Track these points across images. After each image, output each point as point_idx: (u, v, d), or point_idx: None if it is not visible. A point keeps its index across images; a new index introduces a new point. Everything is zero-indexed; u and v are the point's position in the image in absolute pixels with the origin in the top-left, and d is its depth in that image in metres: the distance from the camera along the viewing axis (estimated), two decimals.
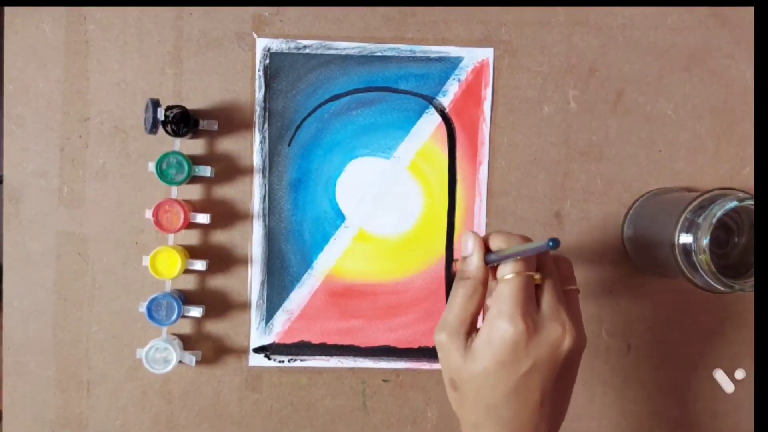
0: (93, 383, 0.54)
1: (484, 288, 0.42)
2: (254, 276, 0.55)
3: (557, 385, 0.40)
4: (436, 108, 0.55)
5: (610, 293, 0.56)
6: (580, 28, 0.55)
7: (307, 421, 0.55)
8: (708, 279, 0.46)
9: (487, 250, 0.43)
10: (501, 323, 0.39)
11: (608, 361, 0.56)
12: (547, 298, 0.41)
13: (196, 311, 0.53)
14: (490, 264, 0.42)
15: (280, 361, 0.55)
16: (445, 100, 0.55)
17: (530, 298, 0.40)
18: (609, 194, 0.56)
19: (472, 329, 0.41)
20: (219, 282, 0.55)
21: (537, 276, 0.41)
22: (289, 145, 0.55)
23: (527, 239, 0.42)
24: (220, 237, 0.54)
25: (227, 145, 0.54)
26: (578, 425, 0.56)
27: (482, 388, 0.40)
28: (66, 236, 0.54)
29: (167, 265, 0.52)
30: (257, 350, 0.55)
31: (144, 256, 0.52)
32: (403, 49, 0.55)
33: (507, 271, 0.40)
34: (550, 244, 0.36)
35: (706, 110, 0.56)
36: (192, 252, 0.54)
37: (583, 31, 0.55)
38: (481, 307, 0.42)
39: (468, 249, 0.43)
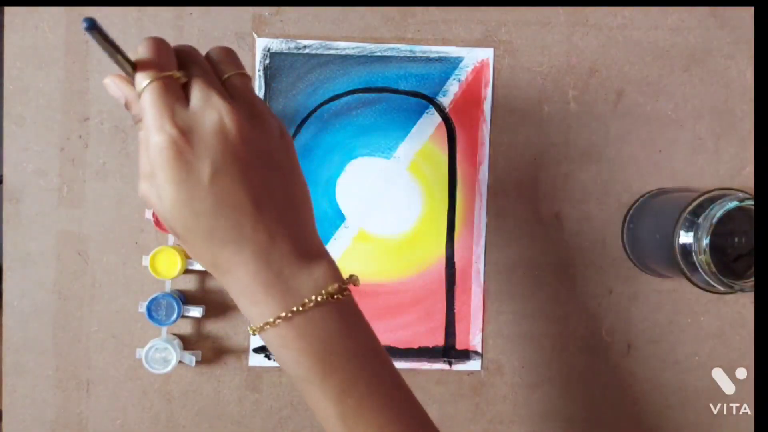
0: (93, 383, 0.54)
1: None
2: None
3: (264, 180, 0.35)
4: (436, 108, 0.55)
5: (610, 293, 0.56)
6: (580, 28, 0.55)
7: (307, 421, 0.55)
8: (708, 279, 0.46)
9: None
10: (152, 139, 0.34)
11: (608, 361, 0.56)
12: (195, 91, 0.35)
13: (196, 311, 0.53)
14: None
15: None
16: (445, 100, 0.55)
17: (175, 99, 0.34)
18: (609, 194, 0.56)
19: None
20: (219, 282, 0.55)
21: (177, 74, 0.35)
22: None
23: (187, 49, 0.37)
24: None
25: None
26: (578, 425, 0.56)
27: (186, 218, 0.34)
28: (66, 236, 0.54)
29: (167, 265, 0.52)
30: (257, 350, 0.55)
31: (144, 256, 0.52)
32: (403, 49, 0.55)
33: (142, 83, 0.34)
34: (85, 25, 0.32)
35: (706, 110, 0.56)
36: None
37: (583, 31, 0.55)
38: None
39: (119, 95, 0.37)
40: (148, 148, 0.34)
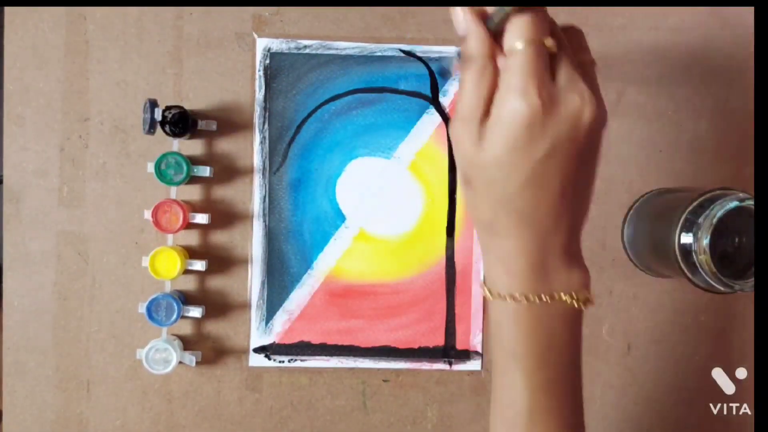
0: (93, 383, 0.54)
1: (493, 64, 0.35)
2: (254, 276, 0.55)
3: (579, 169, 0.35)
4: (436, 108, 0.55)
5: (610, 293, 0.56)
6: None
7: (307, 421, 0.55)
8: (708, 279, 0.46)
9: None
10: (512, 100, 0.33)
11: (608, 361, 0.56)
12: (563, 68, 0.35)
13: (195, 311, 0.53)
14: (494, 30, 0.35)
15: (280, 361, 0.55)
16: (445, 100, 0.55)
17: (544, 69, 0.34)
18: (609, 194, 0.56)
19: (487, 115, 0.35)
20: (219, 282, 0.55)
21: (550, 42, 0.34)
22: (289, 145, 0.55)
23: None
24: (219, 237, 0.54)
25: (227, 145, 0.54)
26: None
27: (495, 179, 0.35)
28: (66, 236, 0.54)
29: (167, 266, 0.52)
30: (257, 350, 0.55)
31: (144, 256, 0.52)
32: (403, 49, 0.55)
33: (515, 41, 0.34)
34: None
35: (706, 110, 0.56)
36: (192, 252, 0.54)
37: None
38: (494, 88, 0.35)
39: (461, 25, 0.36)
40: (500, 98, 0.34)
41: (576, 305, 0.37)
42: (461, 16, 0.35)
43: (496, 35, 0.35)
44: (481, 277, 0.38)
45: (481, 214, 0.37)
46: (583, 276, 0.38)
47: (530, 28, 0.34)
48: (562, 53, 0.35)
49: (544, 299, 0.36)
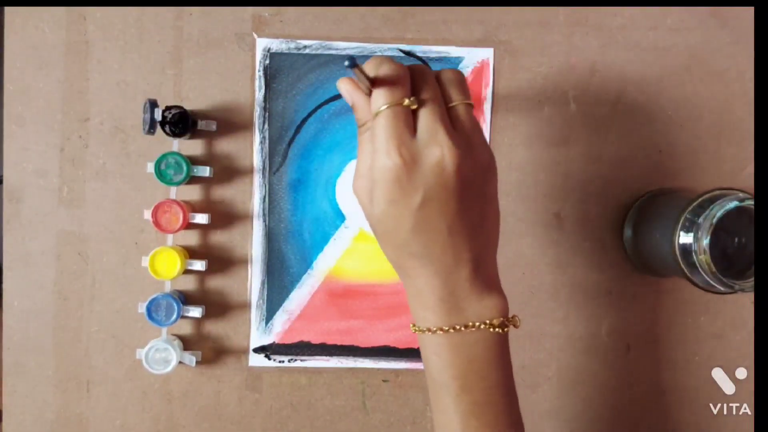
0: (93, 383, 0.54)
1: None
2: (254, 276, 0.55)
3: (463, 208, 0.38)
4: None
5: (609, 293, 0.56)
6: (580, 29, 0.55)
7: (307, 421, 0.55)
8: (708, 279, 0.46)
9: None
10: (379, 160, 0.37)
11: (608, 361, 0.56)
12: (422, 122, 0.38)
13: (195, 311, 0.53)
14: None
15: (280, 361, 0.55)
16: None
17: (404, 128, 0.37)
18: (609, 194, 0.56)
19: None
20: (219, 282, 0.55)
21: (408, 101, 0.37)
22: (289, 145, 0.55)
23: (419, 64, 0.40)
24: (219, 237, 0.54)
25: (226, 145, 0.54)
26: (577, 425, 0.56)
27: (388, 228, 0.39)
28: (66, 236, 0.54)
29: (166, 266, 0.52)
30: (257, 350, 0.55)
31: (144, 256, 0.52)
32: (403, 49, 0.55)
33: (377, 105, 0.38)
34: (346, 63, 0.34)
35: (706, 110, 0.56)
36: (191, 252, 0.54)
37: (583, 31, 0.55)
38: None
39: (348, 97, 0.40)
40: (372, 159, 0.38)
41: (493, 330, 0.40)
42: (344, 89, 0.40)
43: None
44: None
45: (389, 258, 0.41)
46: (496, 302, 0.40)
47: (387, 92, 0.37)
48: (423, 108, 0.38)
49: (459, 328, 0.39)
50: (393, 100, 0.37)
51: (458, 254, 0.39)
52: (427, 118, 0.38)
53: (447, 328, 0.39)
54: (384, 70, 0.38)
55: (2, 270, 0.54)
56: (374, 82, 0.38)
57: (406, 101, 0.38)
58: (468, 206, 0.38)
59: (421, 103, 0.38)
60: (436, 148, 0.37)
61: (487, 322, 0.39)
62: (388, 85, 0.38)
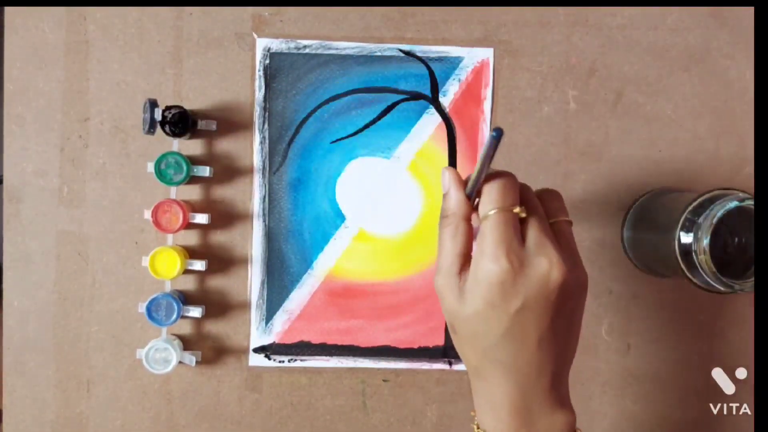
0: (93, 383, 0.54)
1: (467, 224, 0.40)
2: (254, 276, 0.55)
3: (555, 322, 0.38)
4: (436, 108, 0.55)
5: (610, 293, 0.56)
6: (580, 28, 0.55)
7: (307, 421, 0.55)
8: (708, 279, 0.46)
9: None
10: (485, 263, 0.37)
11: (608, 361, 0.56)
12: (532, 233, 0.38)
13: (195, 311, 0.53)
14: (470, 194, 0.40)
15: (280, 361, 0.55)
16: (445, 100, 0.55)
17: (514, 234, 0.38)
18: (609, 194, 0.56)
19: (464, 269, 0.39)
20: (219, 282, 0.55)
21: (518, 209, 0.38)
22: (289, 145, 0.55)
23: (524, 184, 0.41)
24: (219, 237, 0.54)
25: (226, 145, 0.54)
26: (577, 425, 0.56)
27: (476, 330, 0.38)
28: (66, 236, 0.54)
29: (166, 266, 0.52)
30: (257, 350, 0.55)
31: (144, 256, 0.52)
32: (403, 49, 0.55)
33: (488, 208, 0.38)
34: (494, 134, 0.34)
35: (706, 110, 0.56)
36: (192, 252, 0.54)
37: (583, 31, 0.55)
38: (468, 244, 0.40)
39: (445, 185, 0.41)
40: (477, 261, 0.38)
41: None
42: (446, 177, 0.41)
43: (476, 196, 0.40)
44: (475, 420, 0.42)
45: (468, 360, 0.40)
46: (567, 419, 0.40)
47: (499, 197, 0.38)
48: (532, 218, 0.39)
49: None
50: (504, 205, 0.38)
51: (542, 368, 0.39)
52: (535, 229, 0.38)
53: None
54: (500, 179, 0.38)
55: (2, 270, 0.54)
56: (486, 180, 0.38)
57: (517, 209, 0.38)
58: (560, 322, 0.39)
59: (529, 214, 0.39)
60: (544, 259, 0.37)
61: None
62: (500, 189, 0.38)
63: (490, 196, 0.38)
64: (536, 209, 0.39)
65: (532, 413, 0.39)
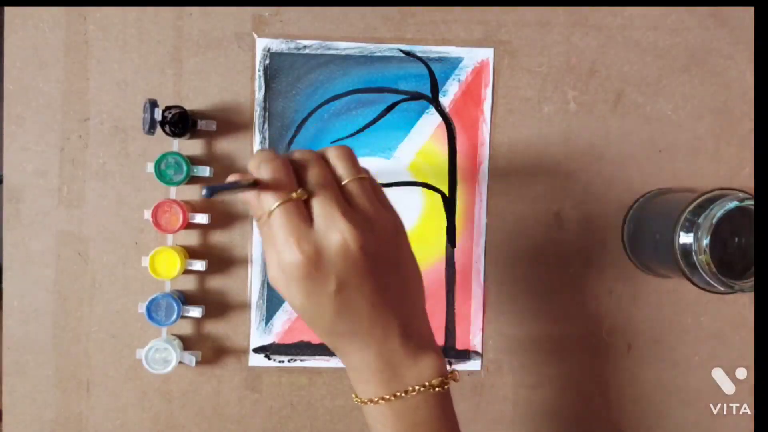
0: (93, 383, 0.54)
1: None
2: (254, 276, 0.55)
3: (380, 281, 0.38)
4: (436, 108, 0.55)
5: (610, 293, 0.56)
6: (579, 29, 0.55)
7: (307, 421, 0.55)
8: (708, 279, 0.46)
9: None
10: (283, 260, 0.37)
11: (608, 361, 0.56)
12: (317, 211, 0.37)
13: (195, 311, 0.53)
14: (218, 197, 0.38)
15: (280, 361, 0.55)
16: (445, 100, 0.55)
17: (300, 222, 0.37)
18: (609, 194, 0.56)
19: None
20: (219, 282, 0.55)
21: (296, 194, 0.37)
22: (289, 145, 0.55)
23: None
24: (219, 237, 0.54)
25: (226, 145, 0.54)
26: (578, 425, 0.56)
27: (312, 316, 0.39)
28: (66, 236, 0.54)
29: (166, 266, 0.52)
30: (257, 350, 0.55)
31: (143, 256, 0.52)
32: (403, 49, 0.55)
33: (269, 204, 0.37)
34: (203, 193, 0.35)
35: (706, 110, 0.56)
36: (191, 252, 0.54)
37: (583, 31, 0.55)
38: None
39: (241, 197, 0.40)
40: (278, 257, 0.37)
41: (433, 391, 0.40)
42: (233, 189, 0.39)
43: None
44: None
45: (322, 339, 0.41)
46: (432, 362, 0.40)
47: (273, 192, 0.37)
48: (315, 195, 0.38)
49: (400, 395, 0.40)
50: (281, 197, 0.37)
51: (386, 325, 0.39)
52: (320, 206, 0.38)
53: (388, 397, 0.40)
54: (264, 172, 0.38)
55: (2, 270, 0.54)
56: (258, 184, 0.37)
57: (295, 194, 0.37)
58: (385, 278, 0.39)
59: (311, 191, 0.38)
60: (335, 233, 0.37)
61: (426, 384, 0.40)
62: (272, 184, 0.37)
63: (266, 195, 0.38)
64: (321, 182, 0.38)
65: (395, 368, 0.40)
